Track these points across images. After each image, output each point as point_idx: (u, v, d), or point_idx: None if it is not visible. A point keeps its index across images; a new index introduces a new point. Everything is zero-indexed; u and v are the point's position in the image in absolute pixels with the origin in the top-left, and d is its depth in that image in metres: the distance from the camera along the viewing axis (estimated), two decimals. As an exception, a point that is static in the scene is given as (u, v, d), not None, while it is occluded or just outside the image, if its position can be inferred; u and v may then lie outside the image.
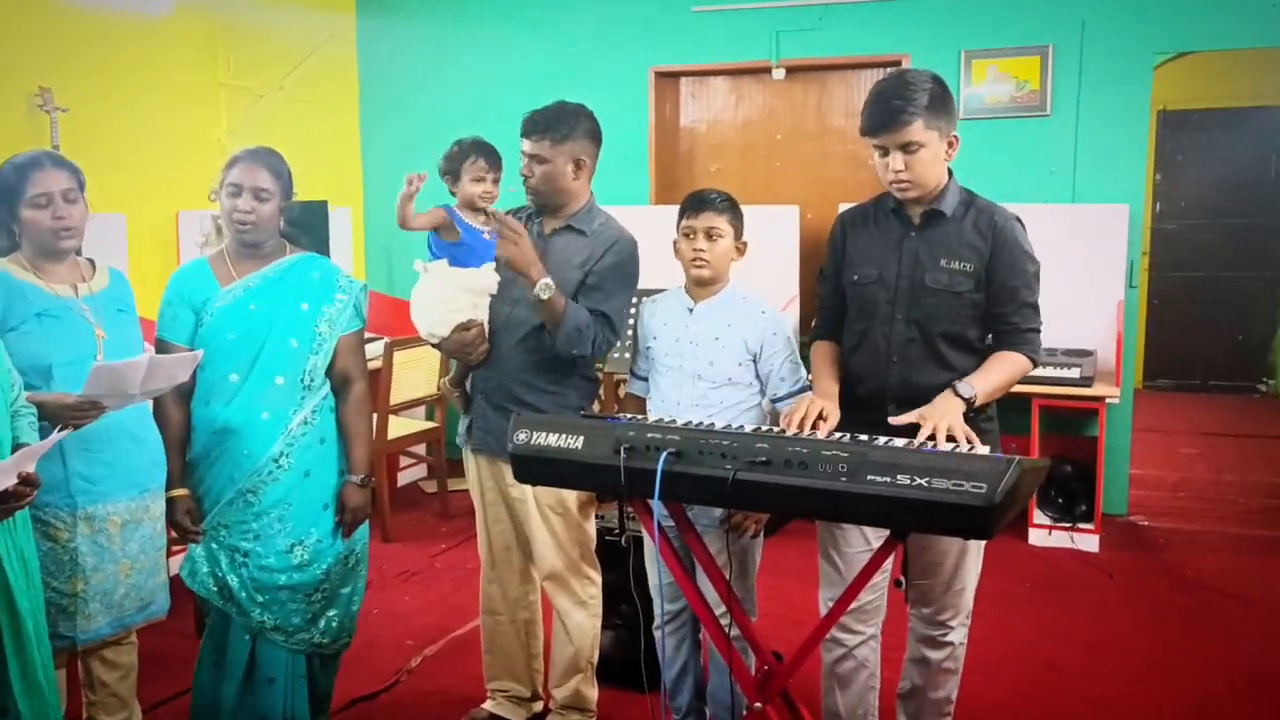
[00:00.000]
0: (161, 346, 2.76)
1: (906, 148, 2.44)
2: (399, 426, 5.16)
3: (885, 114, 2.43)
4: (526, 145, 2.88)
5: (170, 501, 2.75)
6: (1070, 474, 4.89)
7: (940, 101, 2.45)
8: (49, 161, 2.63)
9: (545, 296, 2.75)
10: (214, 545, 2.76)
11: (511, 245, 2.77)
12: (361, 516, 2.89)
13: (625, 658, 3.28)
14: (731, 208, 2.78)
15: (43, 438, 2.36)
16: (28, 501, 2.22)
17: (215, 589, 2.75)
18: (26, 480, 2.18)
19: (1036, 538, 4.88)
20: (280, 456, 2.74)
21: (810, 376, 2.73)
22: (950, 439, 2.22)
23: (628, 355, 4.66)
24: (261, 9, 5.52)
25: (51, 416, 2.44)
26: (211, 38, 5.25)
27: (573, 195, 2.95)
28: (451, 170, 3.05)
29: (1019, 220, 2.56)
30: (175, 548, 3.86)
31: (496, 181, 3.04)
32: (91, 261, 2.78)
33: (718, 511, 2.67)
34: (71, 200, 2.61)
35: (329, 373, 2.84)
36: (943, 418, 2.29)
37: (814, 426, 2.37)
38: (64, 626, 2.60)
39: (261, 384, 2.73)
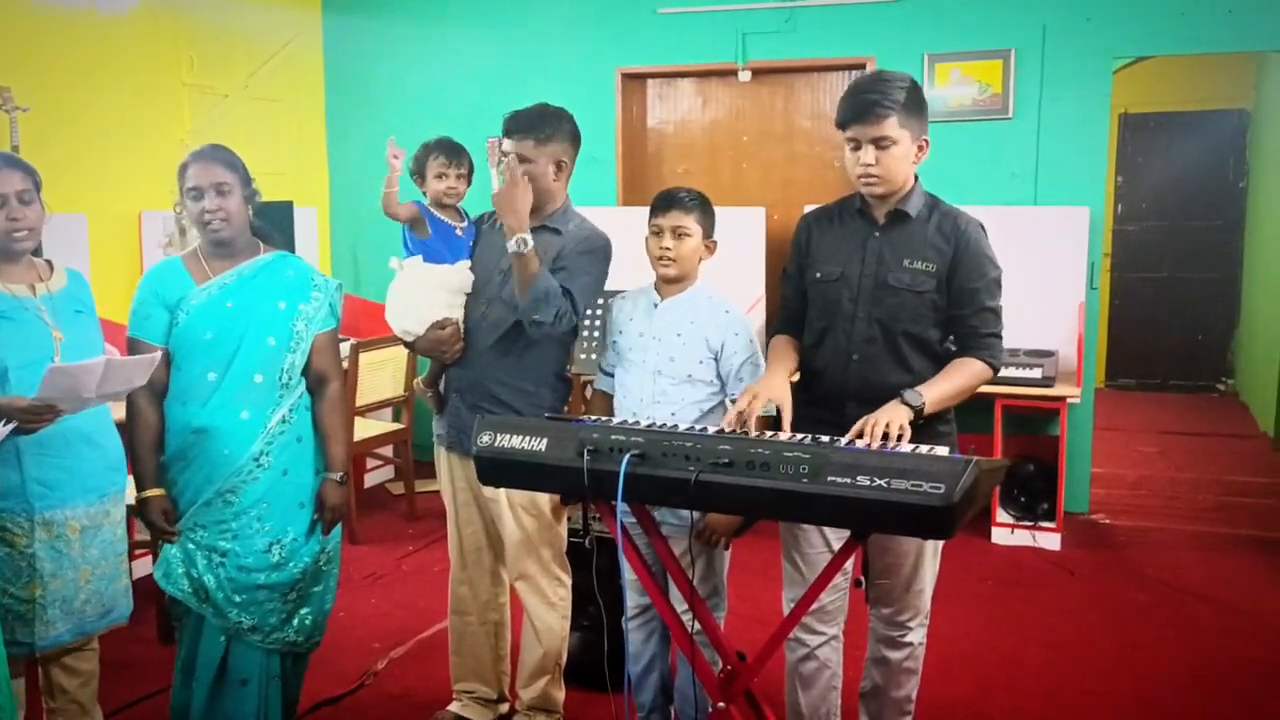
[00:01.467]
0: (134, 346, 2.73)
1: (879, 142, 2.47)
2: (366, 428, 5.14)
3: (862, 106, 2.47)
4: (509, 144, 2.90)
5: (145, 502, 2.72)
6: (1032, 473, 4.95)
7: (915, 103, 2.49)
8: (3, 162, 2.60)
9: (522, 250, 2.75)
10: (190, 545, 2.73)
11: (507, 186, 2.79)
12: (340, 514, 2.89)
13: (591, 659, 3.29)
14: (700, 206, 2.80)
15: None
16: None
17: (190, 590, 2.73)
18: None
19: (999, 536, 4.94)
20: (260, 456, 2.73)
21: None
22: (884, 435, 2.26)
23: (594, 357, 4.68)
24: (226, 7, 5.49)
25: (5, 420, 2.41)
26: (175, 36, 5.21)
27: (551, 196, 2.96)
28: (418, 170, 3.08)
29: (982, 226, 2.59)
30: (137, 552, 3.86)
31: (461, 177, 3.06)
32: (50, 262, 2.76)
33: (685, 513, 2.68)
34: (27, 201, 2.59)
35: (305, 371, 2.83)
36: (882, 416, 2.32)
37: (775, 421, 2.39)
38: (22, 633, 2.58)
39: (240, 383, 2.71)
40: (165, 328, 2.73)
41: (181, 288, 2.74)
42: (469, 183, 3.11)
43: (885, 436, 2.26)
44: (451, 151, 3.06)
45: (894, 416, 2.32)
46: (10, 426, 2.28)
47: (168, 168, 5.10)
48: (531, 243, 2.77)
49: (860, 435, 2.27)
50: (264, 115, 5.74)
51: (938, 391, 2.46)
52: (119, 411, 2.79)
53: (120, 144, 4.90)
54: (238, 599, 2.73)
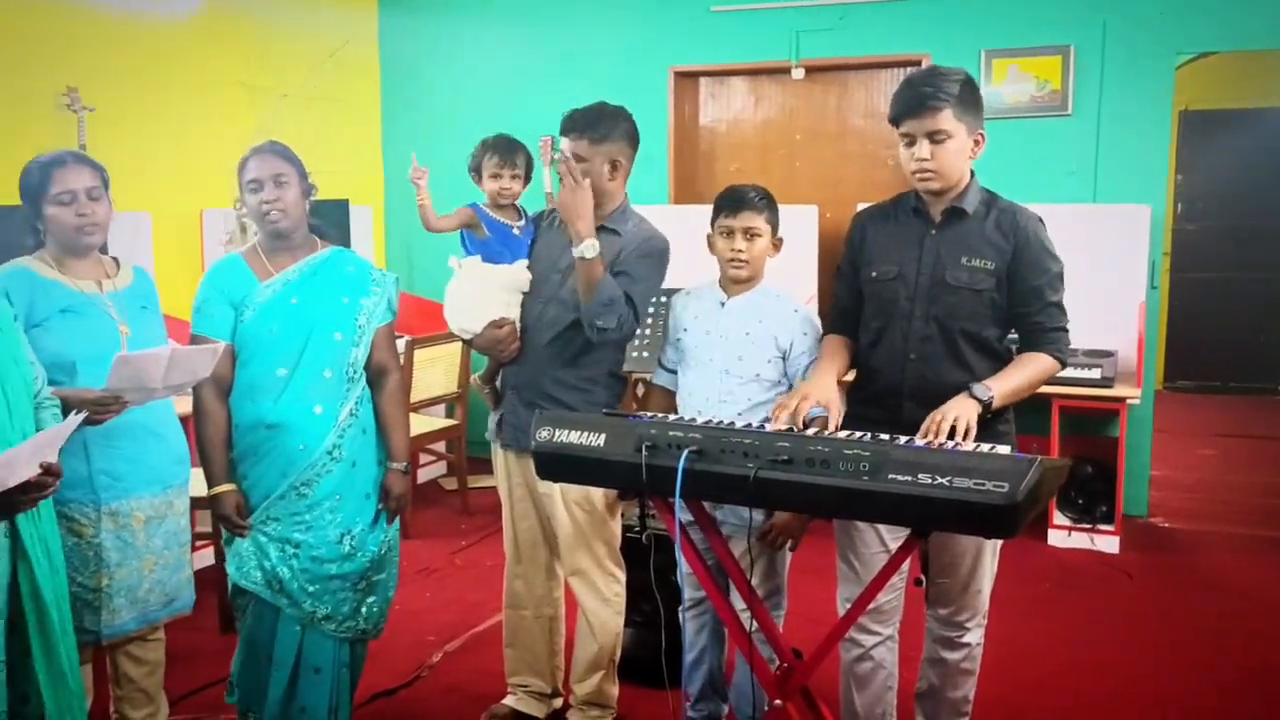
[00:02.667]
0: (197, 343, 2.76)
1: (933, 136, 2.45)
2: (420, 424, 5.18)
3: (916, 100, 2.45)
4: (565, 144, 2.90)
5: (217, 497, 2.76)
6: (1090, 475, 4.88)
7: (970, 96, 2.47)
8: (72, 160, 2.66)
9: (588, 255, 2.76)
10: (262, 538, 2.77)
11: (568, 192, 2.79)
12: (404, 503, 2.94)
13: (646, 655, 3.29)
14: (769, 205, 2.79)
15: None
16: (50, 492, 2.24)
17: (264, 582, 2.78)
18: (49, 470, 2.20)
19: (1056, 538, 4.87)
20: (333, 449, 2.77)
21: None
22: (952, 431, 2.24)
23: (646, 354, 4.69)
24: (284, 8, 5.57)
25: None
26: (236, 38, 5.29)
27: (608, 196, 2.96)
28: (475, 168, 3.09)
29: (1041, 221, 2.56)
30: (198, 544, 3.92)
31: (516, 177, 3.06)
32: (116, 259, 2.81)
33: (745, 513, 2.67)
34: (95, 198, 2.64)
35: (366, 364, 2.87)
36: (950, 411, 2.31)
37: (812, 421, 2.37)
38: (89, 621, 2.63)
39: (310, 377, 2.76)
40: (230, 324, 2.78)
41: (245, 285, 2.79)
42: (526, 181, 3.11)
43: (952, 433, 2.24)
44: (506, 151, 3.05)
45: (962, 411, 2.30)
46: (81, 417, 2.33)
47: (228, 166, 5.20)
48: (599, 249, 2.77)
49: (950, 436, 2.25)
50: (321, 114, 5.82)
51: (1006, 385, 2.44)
52: (181, 406, 2.84)
53: (182, 143, 4.99)
54: (312, 589, 2.78)
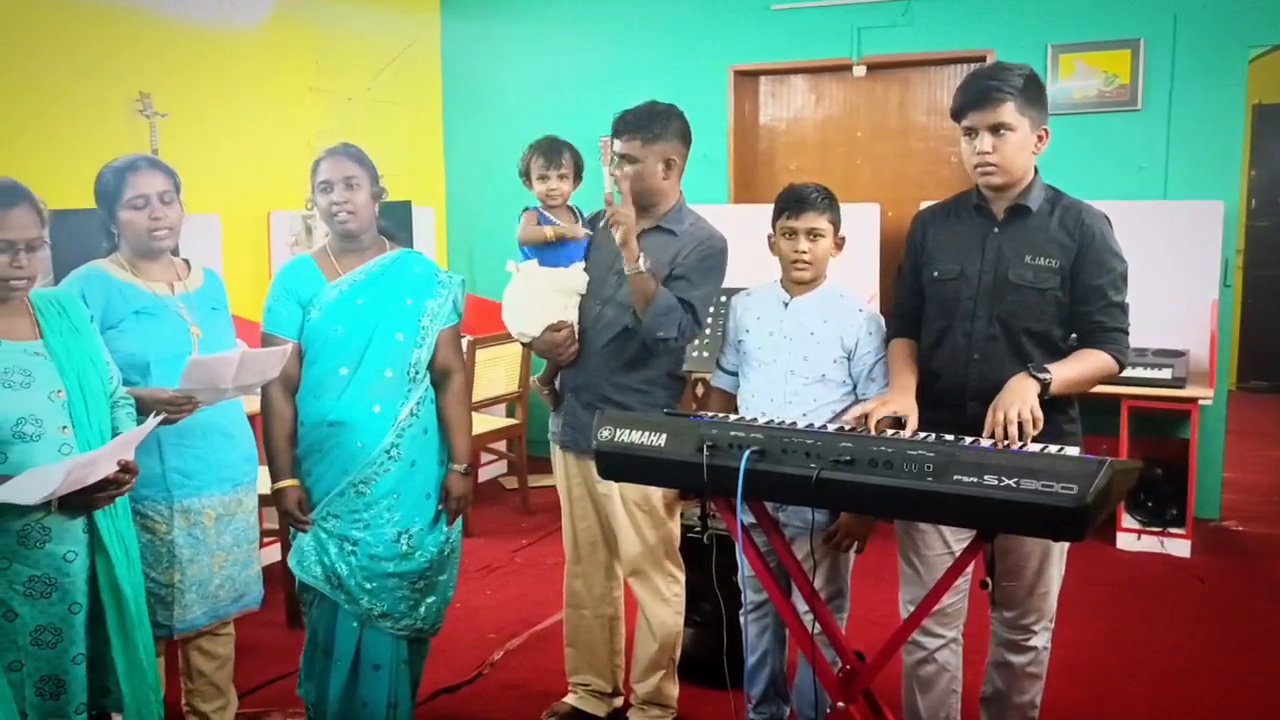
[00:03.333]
0: (267, 341, 2.83)
1: (996, 129, 2.42)
2: (481, 423, 5.22)
3: (978, 92, 2.43)
4: (618, 145, 2.90)
5: (280, 492, 2.83)
6: (1160, 477, 4.78)
7: (1033, 90, 2.45)
8: (146, 164, 2.72)
9: (644, 268, 2.76)
10: (323, 534, 2.83)
11: (619, 222, 2.78)
12: (464, 504, 2.97)
13: (706, 655, 3.29)
14: (831, 204, 2.77)
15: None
16: (127, 489, 2.32)
17: (324, 578, 2.83)
18: (125, 468, 2.28)
19: (1125, 542, 4.78)
20: (391, 448, 2.81)
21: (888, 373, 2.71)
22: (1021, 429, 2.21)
23: (706, 354, 4.68)
24: (349, 14, 5.65)
25: (148, 411, 2.53)
26: (302, 43, 5.38)
27: (663, 195, 2.96)
28: (524, 172, 3.10)
29: (1107, 219, 2.52)
30: (265, 540, 4.00)
31: (563, 177, 3.04)
32: (187, 261, 2.88)
33: (809, 513, 2.65)
34: (167, 202, 2.70)
35: (429, 365, 2.90)
36: (1012, 403, 2.27)
37: (896, 424, 2.36)
38: (161, 616, 2.69)
39: (371, 377, 2.80)
40: (298, 324, 2.83)
41: (313, 285, 2.84)
42: (574, 181, 3.09)
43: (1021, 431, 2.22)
44: (550, 152, 3.05)
45: (1024, 399, 2.27)
46: (159, 419, 2.39)
47: (295, 169, 5.30)
48: (649, 264, 2.77)
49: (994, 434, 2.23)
50: (384, 117, 5.89)
51: (1064, 373, 2.40)
52: (250, 405, 2.90)
53: (250, 147, 5.08)
54: (369, 586, 2.82)
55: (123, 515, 2.43)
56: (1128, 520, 4.78)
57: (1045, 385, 2.34)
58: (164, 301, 2.72)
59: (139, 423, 2.45)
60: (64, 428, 2.29)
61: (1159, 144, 4.99)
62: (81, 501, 2.23)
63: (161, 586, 2.70)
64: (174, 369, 2.57)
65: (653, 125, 2.89)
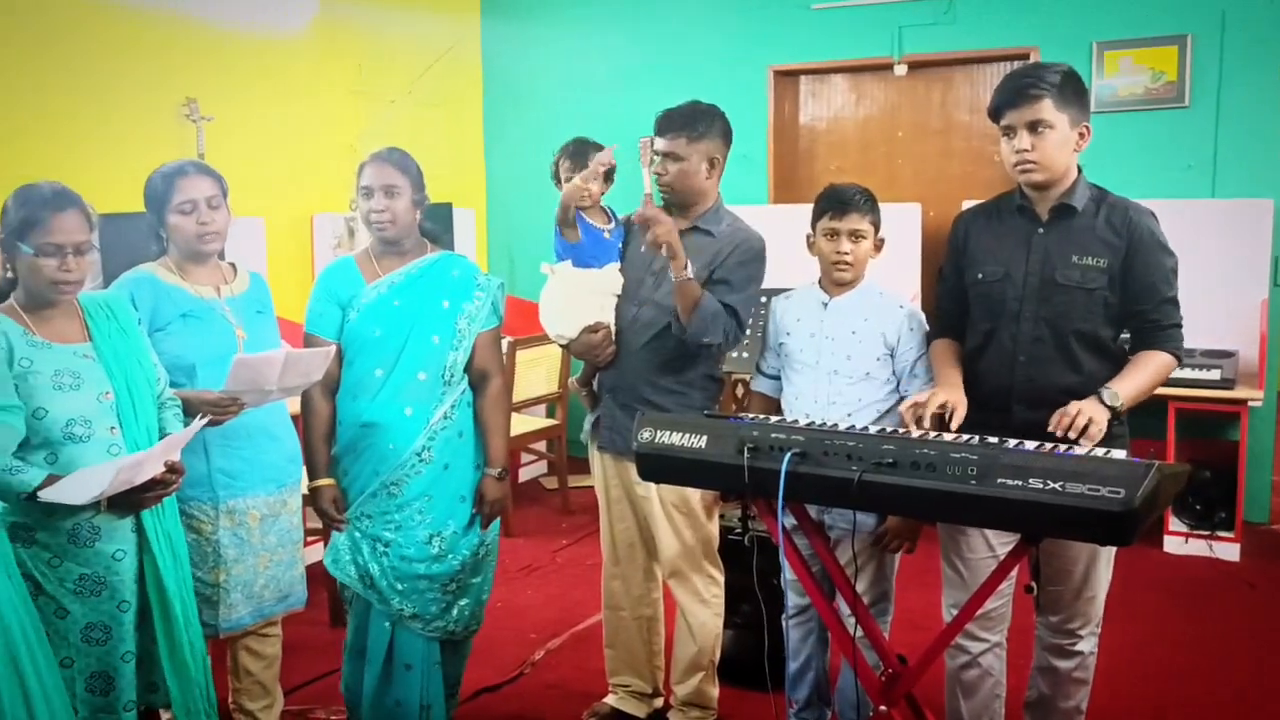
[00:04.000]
0: (309, 342, 2.86)
1: (1034, 127, 2.40)
2: (521, 424, 5.25)
3: (1014, 90, 2.42)
4: (661, 143, 2.90)
5: (316, 491, 2.86)
6: (1209, 480, 4.70)
7: (1072, 87, 2.42)
8: (194, 170, 2.76)
9: (689, 276, 2.77)
10: (357, 534, 2.86)
11: (655, 228, 2.78)
12: (499, 509, 2.97)
13: (747, 656, 3.28)
14: (872, 206, 2.76)
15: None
16: (174, 489, 2.36)
17: (357, 576, 2.86)
18: (173, 469, 2.31)
19: (1172, 545, 4.71)
20: (422, 450, 2.83)
21: (934, 372, 2.69)
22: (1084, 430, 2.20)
23: (745, 355, 4.67)
24: (392, 18, 5.69)
25: (195, 412, 2.57)
26: (345, 47, 5.44)
27: (703, 195, 2.96)
28: (555, 174, 3.11)
29: (1153, 215, 2.48)
30: (309, 539, 4.04)
31: (588, 179, 3.03)
32: (233, 265, 2.91)
33: (854, 515, 2.64)
34: (215, 206, 2.74)
35: (467, 368, 2.92)
36: (1084, 409, 2.26)
37: (941, 421, 2.34)
38: (207, 615, 2.73)
39: (405, 379, 2.82)
40: (338, 324, 2.86)
41: (353, 286, 2.86)
42: (605, 182, 3.07)
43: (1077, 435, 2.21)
44: (577, 154, 3.06)
45: (1095, 414, 2.26)
46: (205, 421, 2.43)
47: (337, 172, 5.37)
48: (693, 271, 2.77)
49: (1052, 435, 2.22)
50: (426, 120, 5.93)
51: (1130, 387, 2.38)
52: (292, 405, 2.93)
53: (294, 150, 5.15)
54: (400, 587, 2.84)
55: (170, 515, 2.46)
56: (1175, 523, 4.71)
57: (1116, 412, 2.33)
58: (210, 304, 2.76)
59: (185, 424, 2.49)
60: (112, 428, 2.34)
61: (1207, 141, 4.91)
62: (129, 501, 2.26)
63: (207, 586, 2.73)
64: (220, 371, 2.60)
65: (697, 124, 2.89)
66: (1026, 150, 2.42)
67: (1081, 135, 2.45)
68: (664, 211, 2.97)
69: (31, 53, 4.07)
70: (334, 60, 5.38)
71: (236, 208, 2.91)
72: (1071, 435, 2.22)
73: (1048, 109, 2.39)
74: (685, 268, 2.77)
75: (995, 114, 2.48)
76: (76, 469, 2.26)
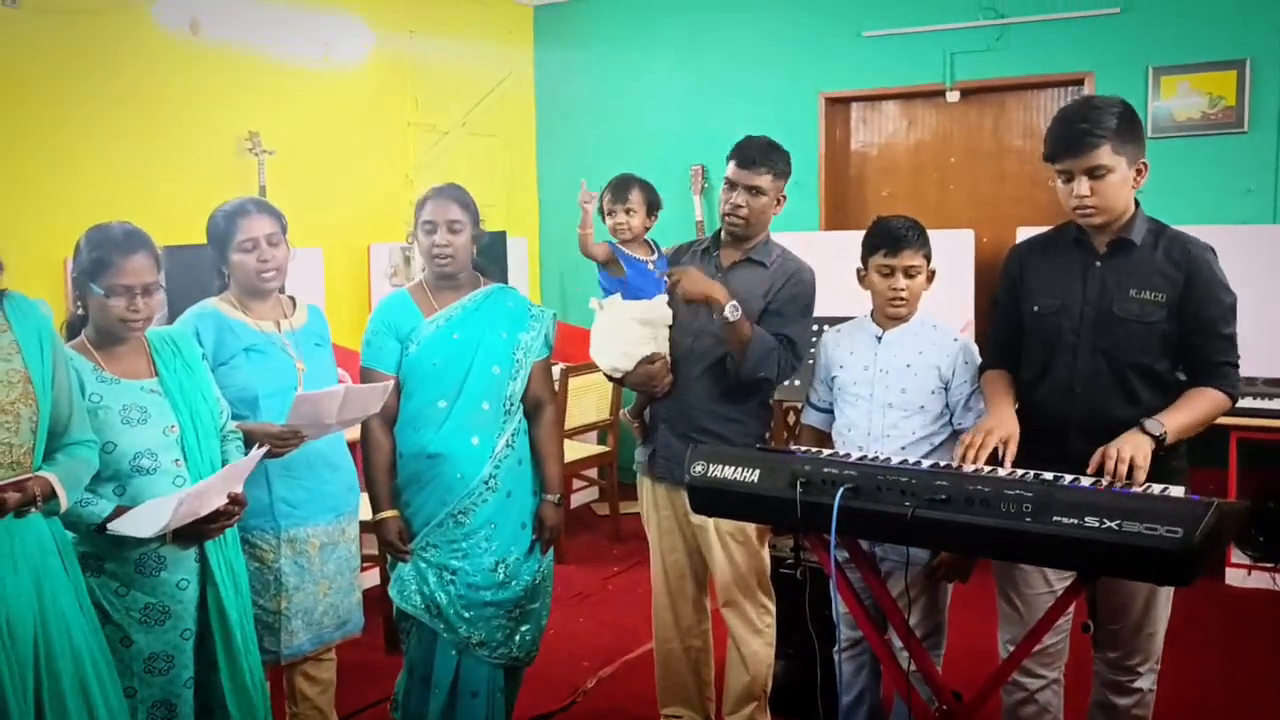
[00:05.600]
0: (367, 375, 2.91)
1: (1093, 172, 2.38)
2: (573, 450, 5.28)
3: (1070, 137, 2.38)
4: (744, 175, 2.93)
5: (381, 523, 2.91)
6: (1273, 511, 4.60)
7: (1129, 126, 2.39)
8: (255, 208, 2.83)
9: (734, 318, 2.80)
10: (422, 564, 2.89)
11: (684, 280, 2.84)
12: (557, 534, 3.01)
13: (798, 687, 3.27)
14: (925, 241, 2.76)
15: None
16: (235, 520, 2.41)
17: (423, 606, 2.89)
18: (235, 500, 2.37)
19: (1234, 578, 4.61)
20: (489, 479, 2.87)
21: (985, 403, 2.67)
22: (1129, 471, 2.17)
23: (797, 382, 4.67)
24: (447, 50, 5.78)
25: (257, 444, 2.63)
26: (401, 80, 5.53)
27: (765, 228, 3.01)
28: (601, 209, 3.13)
29: (1212, 250, 2.45)
30: (365, 565, 4.09)
31: (629, 212, 3.06)
32: (293, 299, 2.97)
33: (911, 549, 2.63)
34: (275, 244, 2.80)
35: (523, 397, 2.96)
36: (1124, 446, 2.23)
37: (994, 453, 2.33)
38: (269, 642, 2.77)
39: (469, 409, 2.86)
40: (396, 358, 2.91)
41: (411, 320, 2.92)
42: (646, 216, 3.09)
43: (1129, 471, 2.17)
44: (617, 188, 3.08)
45: (1137, 447, 2.22)
46: (264, 451, 2.48)
47: (393, 202, 5.47)
48: (740, 310, 2.80)
49: (1100, 471, 2.19)
50: (480, 149, 6.01)
51: (1178, 421, 2.34)
52: (350, 433, 2.98)
53: (351, 181, 5.24)
54: (467, 615, 2.87)
55: (232, 545, 2.52)
56: (1237, 555, 4.61)
57: (1160, 440, 2.29)
58: (271, 338, 2.82)
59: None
60: (177, 461, 2.40)
61: (1267, 166, 4.83)
62: (194, 533, 2.32)
63: (269, 614, 2.78)
64: (281, 403, 2.67)
65: (777, 160, 2.95)
66: (1086, 196, 2.39)
67: (1139, 172, 2.43)
68: (702, 255, 3.03)
69: (99, 86, 4.20)
70: (390, 93, 5.48)
71: (295, 238, 2.98)
72: (1110, 479, 2.18)
73: (1106, 154, 2.36)
74: (726, 310, 2.79)
75: (1050, 159, 2.44)
76: (144, 500, 2.32)
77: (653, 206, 3.11)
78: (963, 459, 2.36)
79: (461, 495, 2.85)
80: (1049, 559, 2.15)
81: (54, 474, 2.06)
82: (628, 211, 3.07)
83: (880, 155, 5.83)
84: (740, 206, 2.93)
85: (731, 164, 2.96)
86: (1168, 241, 2.46)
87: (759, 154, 2.92)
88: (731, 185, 2.95)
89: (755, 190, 2.92)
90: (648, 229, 3.12)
